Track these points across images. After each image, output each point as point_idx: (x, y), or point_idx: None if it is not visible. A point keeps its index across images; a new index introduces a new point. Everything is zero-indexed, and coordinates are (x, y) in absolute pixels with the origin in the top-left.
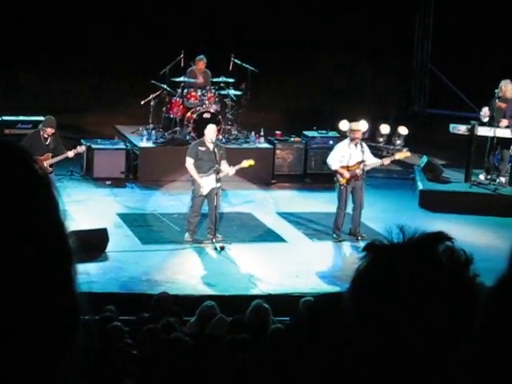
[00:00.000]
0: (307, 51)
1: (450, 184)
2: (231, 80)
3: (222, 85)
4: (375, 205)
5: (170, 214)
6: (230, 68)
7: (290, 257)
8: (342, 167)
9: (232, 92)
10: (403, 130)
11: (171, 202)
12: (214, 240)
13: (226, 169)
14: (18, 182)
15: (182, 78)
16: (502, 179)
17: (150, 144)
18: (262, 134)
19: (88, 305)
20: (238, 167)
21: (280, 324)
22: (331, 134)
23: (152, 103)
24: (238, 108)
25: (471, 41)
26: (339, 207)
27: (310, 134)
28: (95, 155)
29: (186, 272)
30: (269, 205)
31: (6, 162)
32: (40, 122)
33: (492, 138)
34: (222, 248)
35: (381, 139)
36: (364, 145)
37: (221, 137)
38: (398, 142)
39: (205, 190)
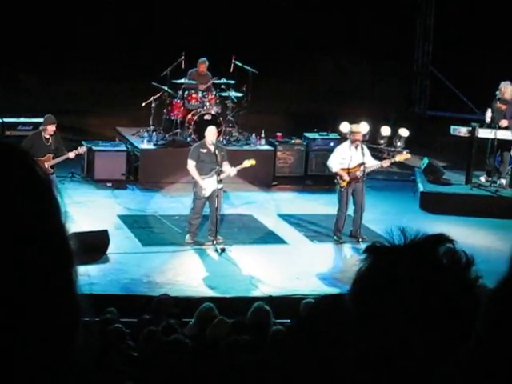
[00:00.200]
0: (308, 53)
1: (451, 186)
2: (232, 82)
3: (222, 87)
4: (376, 207)
5: (170, 215)
6: (231, 70)
7: (290, 259)
8: (343, 169)
9: (233, 94)
10: (404, 132)
11: (172, 203)
12: (214, 242)
13: (228, 169)
14: (19, 184)
15: (182, 80)
16: (503, 181)
17: (150, 146)
18: (262, 135)
19: (89, 307)
20: (239, 167)
21: (281, 326)
22: (332, 135)
23: (153, 105)
24: (238, 110)
25: (472, 42)
26: (340, 209)
27: (310, 135)
28: (96, 157)
29: (186, 274)
30: (269, 207)
31: (6, 163)
32: (41, 123)
33: (492, 139)
34: (223, 250)
35: (381, 141)
36: (364, 147)
37: (221, 139)
38: (399, 143)
39: (207, 192)
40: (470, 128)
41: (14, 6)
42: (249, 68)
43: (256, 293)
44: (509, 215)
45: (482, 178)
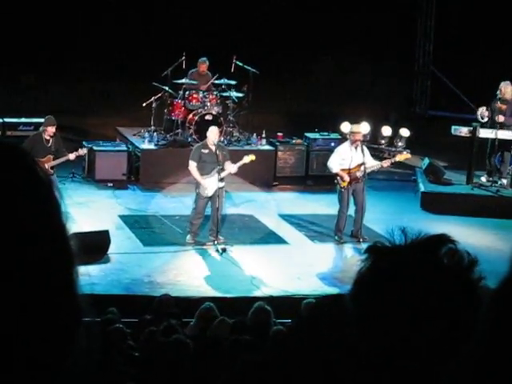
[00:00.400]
0: (309, 53)
1: (452, 186)
2: (233, 82)
3: (223, 87)
4: (377, 207)
5: (171, 215)
6: (232, 70)
7: (291, 259)
8: (343, 170)
9: (234, 94)
10: (405, 132)
11: (173, 203)
12: (215, 242)
13: (229, 168)
14: (20, 184)
15: (183, 80)
16: (504, 181)
17: (151, 146)
18: (263, 135)
19: (89, 307)
20: (239, 164)
21: (282, 326)
22: (333, 135)
23: (154, 105)
24: (239, 110)
25: (473, 42)
26: (341, 210)
27: (311, 135)
28: (97, 157)
29: (187, 274)
30: (270, 207)
31: (7, 164)
32: (41, 124)
33: (493, 139)
34: (224, 250)
35: (382, 141)
36: (364, 147)
37: (222, 139)
38: (400, 143)
39: (210, 192)
40: (471, 128)
41: (15, 6)
42: (250, 68)
43: (257, 293)
44: (510, 215)
45: (483, 178)
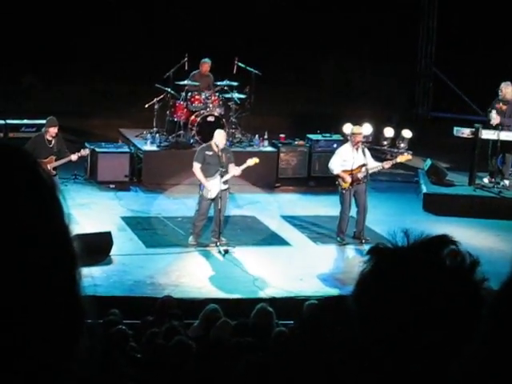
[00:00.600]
0: (310, 54)
1: (454, 187)
2: (235, 83)
3: (225, 88)
4: (379, 208)
5: (174, 217)
6: (234, 71)
7: (294, 260)
8: (344, 171)
9: (236, 95)
10: (407, 133)
11: (175, 205)
12: (218, 243)
13: (233, 170)
14: (22, 186)
15: (185, 82)
16: (506, 182)
17: (154, 147)
18: (265, 137)
19: (92, 308)
20: (243, 166)
21: (284, 327)
22: (335, 137)
23: (156, 107)
24: (241, 111)
25: (475, 43)
26: (342, 211)
27: (313, 137)
28: (99, 158)
29: (190, 275)
30: (273, 208)
31: (10, 165)
32: (44, 125)
33: (493, 141)
34: (226, 251)
35: (385, 142)
36: (365, 148)
37: (225, 141)
38: (402, 145)
39: (213, 193)
40: (474, 129)
41: (16, 8)
42: (252, 69)
43: (259, 294)
44: None
45: (486, 180)
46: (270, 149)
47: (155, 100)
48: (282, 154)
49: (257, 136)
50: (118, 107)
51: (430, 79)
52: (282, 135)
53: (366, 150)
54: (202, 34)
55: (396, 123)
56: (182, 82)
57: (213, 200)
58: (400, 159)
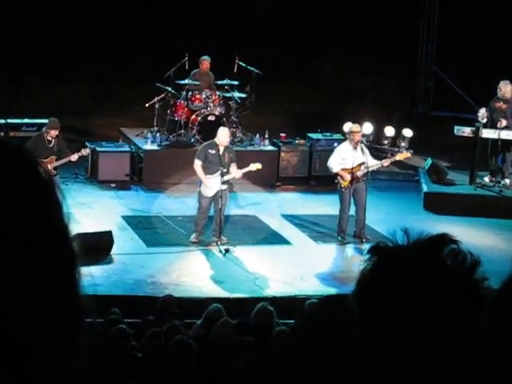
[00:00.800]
0: (311, 53)
1: (455, 186)
2: (236, 82)
3: (226, 87)
4: (380, 207)
5: (174, 216)
6: (235, 70)
7: (294, 259)
8: (343, 170)
9: (236, 94)
10: (408, 132)
11: (176, 204)
12: (218, 242)
13: (234, 172)
14: (22, 185)
15: (186, 81)
16: (507, 181)
17: (154, 147)
18: (266, 136)
19: (92, 307)
20: (245, 170)
21: (285, 326)
22: (336, 136)
23: (157, 106)
24: (242, 110)
25: (476, 42)
26: (342, 210)
27: (314, 136)
28: (100, 158)
29: (190, 274)
30: (273, 207)
31: (10, 164)
32: (45, 124)
33: (493, 140)
34: (227, 250)
35: (385, 141)
36: (364, 146)
37: (229, 139)
38: (403, 144)
39: (211, 192)
40: (474, 128)
41: (17, 8)
42: (252, 69)
43: (260, 293)
44: None
45: (486, 179)
46: (270, 148)
47: (156, 99)
48: (282, 153)
49: (257, 135)
50: (119, 106)
51: (431, 78)
52: (283, 134)
53: (365, 148)
54: (202, 33)
55: (397, 122)
56: (182, 81)
57: (213, 198)
58: (399, 157)
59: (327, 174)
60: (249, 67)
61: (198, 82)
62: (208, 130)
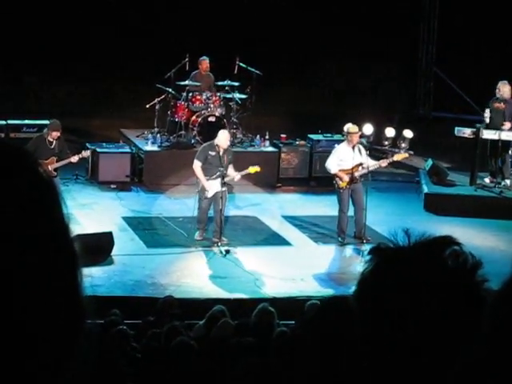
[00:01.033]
0: (312, 54)
1: (455, 187)
2: (236, 83)
3: (227, 88)
4: (380, 208)
5: (175, 217)
6: (235, 71)
7: (295, 260)
8: (341, 171)
9: (237, 95)
10: (408, 133)
11: (176, 205)
12: (219, 243)
13: (232, 174)
14: (23, 186)
15: (186, 82)
16: (508, 182)
17: (155, 148)
18: (267, 137)
19: (93, 308)
20: (243, 173)
21: (285, 327)
22: (336, 137)
23: (157, 107)
24: (242, 111)
25: (476, 43)
26: (341, 210)
27: (315, 137)
28: (100, 159)
29: (191, 275)
30: (274, 208)
31: (10, 165)
32: (45, 125)
33: (492, 140)
34: (228, 251)
35: (386, 142)
36: (361, 147)
37: (229, 142)
38: (403, 145)
39: (210, 193)
40: (475, 129)
41: (17, 8)
42: (253, 69)
43: (260, 294)
44: None
45: (487, 180)
46: (271, 149)
47: (156, 100)
48: (283, 154)
49: (258, 136)
50: (119, 107)
51: (431, 79)
52: (283, 135)
53: (362, 149)
54: (202, 34)
55: (397, 123)
56: (182, 83)
57: (212, 200)
58: (396, 158)
59: (328, 175)
60: (249, 68)
61: (198, 83)
62: (208, 131)
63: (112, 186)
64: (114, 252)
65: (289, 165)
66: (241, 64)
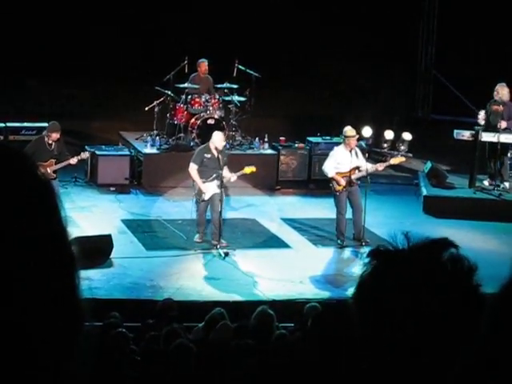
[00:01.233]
0: (310, 56)
1: (454, 190)
2: (235, 86)
3: (226, 91)
4: (379, 210)
5: (174, 220)
6: (234, 74)
7: (294, 263)
8: (339, 174)
9: (236, 98)
10: (407, 136)
11: (175, 208)
12: (218, 246)
13: (228, 175)
14: (21, 188)
15: (185, 85)
16: (506, 184)
17: (154, 150)
18: (266, 139)
19: (91, 310)
20: (239, 173)
21: (284, 330)
22: (335, 139)
23: (156, 109)
24: (242, 114)
25: (475, 45)
26: (339, 212)
27: (314, 139)
28: (99, 161)
29: (190, 278)
30: (273, 211)
31: (8, 168)
32: (44, 128)
33: (490, 143)
34: (227, 254)
35: (385, 145)
36: (358, 150)
37: (224, 143)
38: (402, 147)
39: (207, 196)
40: (474, 132)
41: (18, 11)
42: (252, 72)
43: (259, 297)
44: None
45: (486, 182)
46: (270, 151)
47: (155, 103)
48: (282, 157)
49: (257, 139)
50: (119, 110)
51: (430, 81)
52: (282, 138)
53: (359, 152)
54: (201, 36)
55: (396, 125)
56: (182, 85)
57: (209, 202)
58: (393, 161)
59: (326, 178)
60: (248, 70)
61: (197, 86)
62: (207, 134)
63: (111, 189)
64: (113, 255)
65: (288, 167)
66: (240, 66)
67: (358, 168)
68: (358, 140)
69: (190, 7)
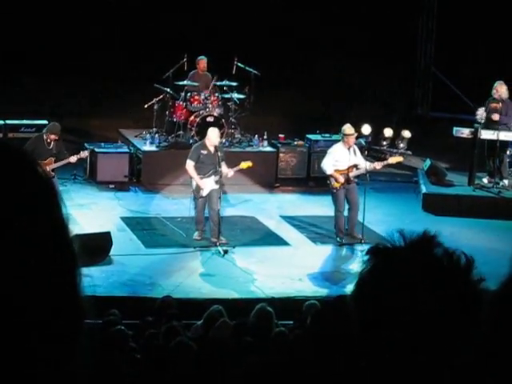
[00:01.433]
0: (310, 54)
1: (454, 187)
2: (234, 83)
3: (225, 88)
4: (378, 208)
5: (173, 217)
6: (233, 71)
7: (293, 260)
8: (337, 171)
9: (235, 95)
10: (407, 134)
11: (174, 205)
12: (217, 243)
13: (225, 170)
14: (22, 185)
15: (185, 82)
16: (506, 182)
17: (153, 148)
18: (265, 137)
19: (91, 308)
20: (236, 169)
21: (283, 328)
22: (334, 137)
23: (155, 107)
24: (241, 111)
25: (474, 43)
26: (337, 210)
27: (313, 137)
28: (99, 159)
29: (189, 276)
30: (272, 208)
31: (8, 164)
32: (43, 125)
33: (489, 141)
34: (226, 251)
35: (384, 142)
36: (356, 148)
37: (224, 140)
38: (402, 145)
39: (205, 192)
40: (473, 129)
41: (16, 8)
42: (251, 69)
43: (258, 294)
44: (511, 216)
45: (485, 180)
46: (269, 149)
47: (154, 100)
48: (281, 154)
49: (256, 136)
50: (118, 107)
51: (430, 79)
52: (282, 135)
53: (357, 150)
54: (201, 34)
55: (395, 123)
56: (181, 83)
57: (206, 198)
58: (391, 160)
59: (326, 175)
60: (247, 68)
61: (196, 83)
62: (206, 131)
63: (110, 186)
64: (112, 252)
65: (287, 165)
66: (239, 64)
67: (355, 166)
68: (358, 138)
69: (190, 5)
